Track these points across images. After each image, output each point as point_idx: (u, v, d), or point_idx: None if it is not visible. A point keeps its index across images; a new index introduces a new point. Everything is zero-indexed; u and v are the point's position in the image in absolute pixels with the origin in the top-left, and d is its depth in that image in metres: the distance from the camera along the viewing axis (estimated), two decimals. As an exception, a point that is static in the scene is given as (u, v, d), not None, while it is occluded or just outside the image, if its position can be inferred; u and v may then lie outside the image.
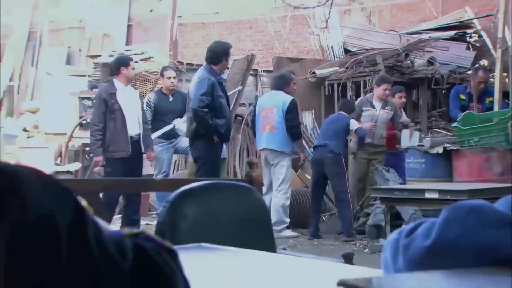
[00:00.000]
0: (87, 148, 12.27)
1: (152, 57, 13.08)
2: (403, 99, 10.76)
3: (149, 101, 9.87)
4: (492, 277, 1.22)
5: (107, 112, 8.54)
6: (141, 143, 8.88)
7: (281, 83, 9.63)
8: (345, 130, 9.44)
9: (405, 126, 10.17)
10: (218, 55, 8.45)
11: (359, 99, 10.92)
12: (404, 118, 10.32)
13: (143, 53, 13.14)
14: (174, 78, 10.33)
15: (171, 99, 10.04)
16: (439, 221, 1.35)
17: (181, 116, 9.66)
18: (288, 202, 9.49)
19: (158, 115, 9.92)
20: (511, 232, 1.30)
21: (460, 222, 1.33)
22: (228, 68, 9.25)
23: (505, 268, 1.26)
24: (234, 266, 1.86)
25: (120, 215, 9.03)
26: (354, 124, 9.46)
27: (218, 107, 8.29)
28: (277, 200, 9.39)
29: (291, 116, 9.39)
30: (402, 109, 10.75)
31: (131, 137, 8.63)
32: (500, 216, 1.32)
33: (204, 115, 8.19)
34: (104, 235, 0.97)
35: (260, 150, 9.90)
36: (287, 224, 9.42)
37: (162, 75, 10.44)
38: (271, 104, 9.56)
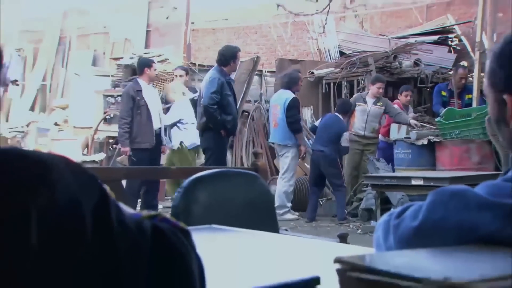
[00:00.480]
0: (110, 140, 12.30)
1: (168, 59, 13.07)
2: (409, 97, 10.80)
3: (162, 97, 9.87)
4: (473, 254, 1.22)
5: (134, 107, 8.56)
6: (162, 136, 8.91)
7: (290, 82, 9.62)
8: (337, 136, 9.36)
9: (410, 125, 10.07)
10: (226, 57, 8.45)
11: (355, 95, 10.92)
12: (411, 115, 10.28)
13: (160, 55, 13.12)
14: (180, 76, 10.32)
15: None
16: (425, 204, 1.34)
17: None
18: (290, 189, 9.51)
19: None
20: (489, 213, 1.29)
21: (444, 205, 1.33)
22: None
23: (485, 246, 1.26)
24: (241, 245, 1.85)
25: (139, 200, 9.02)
26: (343, 140, 9.42)
27: (226, 105, 8.28)
28: (280, 186, 9.43)
29: (290, 113, 9.38)
30: (409, 106, 10.82)
31: (154, 130, 8.66)
32: (480, 200, 1.32)
33: (213, 111, 8.19)
34: (126, 217, 0.96)
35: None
36: (288, 209, 9.43)
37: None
38: (277, 102, 9.62)
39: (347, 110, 9.85)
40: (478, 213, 1.30)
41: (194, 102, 9.68)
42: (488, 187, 1.36)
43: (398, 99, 10.79)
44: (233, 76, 9.34)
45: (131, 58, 13.10)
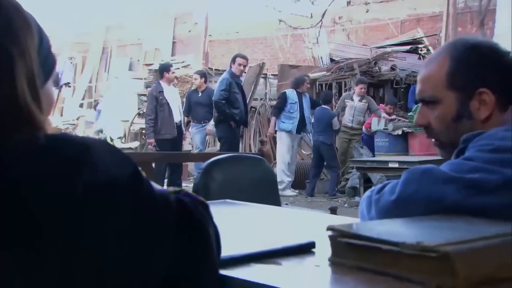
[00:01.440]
0: (143, 131, 12.32)
1: (190, 65, 13.08)
2: (392, 110, 10.51)
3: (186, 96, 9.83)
4: (440, 222, 1.21)
5: (157, 105, 8.52)
6: (182, 127, 8.88)
7: (295, 83, 9.75)
8: (329, 124, 9.47)
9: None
10: (231, 60, 8.50)
11: (343, 94, 10.90)
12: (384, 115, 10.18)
13: (183, 62, 13.13)
14: (195, 79, 10.16)
15: (200, 94, 9.89)
16: (400, 181, 1.34)
17: (205, 106, 9.53)
18: (286, 167, 9.49)
19: (191, 106, 9.82)
20: (453, 186, 1.29)
21: (416, 180, 1.32)
22: (245, 72, 9.22)
23: (449, 215, 1.26)
24: (249, 216, 1.84)
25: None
26: (334, 125, 9.48)
27: (234, 101, 8.27)
28: (279, 165, 9.47)
29: (276, 102, 9.72)
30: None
31: (175, 123, 8.62)
32: (445, 175, 1.31)
33: (222, 106, 8.18)
34: (155, 191, 0.96)
35: None
36: (286, 184, 9.39)
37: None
38: None
39: (330, 100, 10.04)
40: (444, 186, 1.29)
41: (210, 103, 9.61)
42: (450, 165, 1.35)
43: (384, 108, 10.61)
44: (242, 78, 9.33)
45: (160, 64, 13.12)
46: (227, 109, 8.19)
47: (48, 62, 1.04)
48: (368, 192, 1.43)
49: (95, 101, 16.42)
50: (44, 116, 0.95)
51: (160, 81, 8.80)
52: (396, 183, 1.35)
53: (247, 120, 9.01)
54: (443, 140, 1.53)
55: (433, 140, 1.58)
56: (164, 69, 8.92)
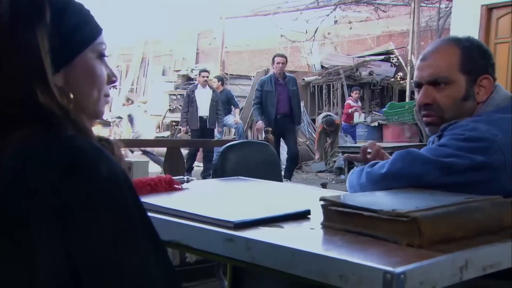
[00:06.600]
0: (173, 123, 12.31)
1: (210, 71, 13.03)
2: (358, 94, 10.54)
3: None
4: (413, 194, 1.21)
5: (189, 101, 8.51)
6: (208, 121, 8.59)
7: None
8: None
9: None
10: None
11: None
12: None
13: (205, 68, 13.11)
14: (214, 82, 9.85)
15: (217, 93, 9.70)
16: (390, 160, 1.34)
17: (223, 103, 9.32)
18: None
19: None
20: (430, 166, 1.29)
21: (401, 160, 1.32)
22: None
23: (421, 189, 1.26)
24: (258, 189, 1.83)
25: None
26: None
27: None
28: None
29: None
30: (358, 100, 10.62)
31: (201, 117, 8.50)
32: (424, 157, 1.31)
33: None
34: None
35: None
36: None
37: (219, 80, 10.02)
38: None
39: None
40: (423, 166, 1.29)
41: (228, 101, 9.54)
42: (429, 149, 1.34)
43: (351, 96, 10.61)
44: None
45: (186, 70, 13.13)
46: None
47: (77, 34, 0.85)
48: (357, 168, 1.44)
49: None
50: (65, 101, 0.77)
51: (198, 83, 8.81)
52: (386, 161, 1.35)
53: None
54: (446, 117, 1.45)
55: (427, 118, 1.49)
56: (199, 72, 8.86)
